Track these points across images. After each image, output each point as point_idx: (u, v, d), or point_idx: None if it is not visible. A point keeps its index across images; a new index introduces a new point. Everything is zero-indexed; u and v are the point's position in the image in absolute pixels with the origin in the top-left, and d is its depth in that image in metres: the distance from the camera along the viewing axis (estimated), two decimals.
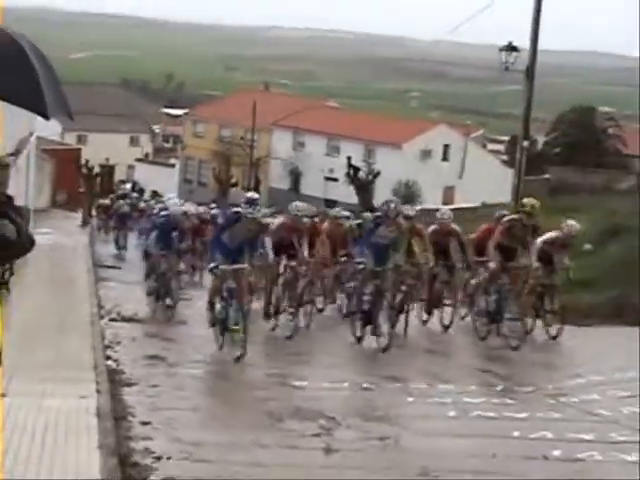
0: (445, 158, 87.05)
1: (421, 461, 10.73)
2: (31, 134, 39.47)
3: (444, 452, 11.29)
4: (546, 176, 71.23)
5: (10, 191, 7.47)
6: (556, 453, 11.31)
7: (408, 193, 75.19)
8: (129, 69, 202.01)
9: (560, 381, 16.22)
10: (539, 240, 19.91)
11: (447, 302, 22.03)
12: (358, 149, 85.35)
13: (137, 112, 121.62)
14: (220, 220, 21.87)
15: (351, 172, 78.94)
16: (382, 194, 75.20)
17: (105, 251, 37.06)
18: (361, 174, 78.87)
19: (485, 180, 71.29)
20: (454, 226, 21.86)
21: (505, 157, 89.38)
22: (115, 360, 15.41)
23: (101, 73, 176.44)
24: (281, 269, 20.71)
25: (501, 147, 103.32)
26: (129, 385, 13.68)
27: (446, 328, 21.18)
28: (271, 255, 19.88)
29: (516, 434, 12.23)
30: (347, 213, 25.69)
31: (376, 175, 78.58)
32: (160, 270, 22.39)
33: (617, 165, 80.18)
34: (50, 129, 53.39)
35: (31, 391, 11.61)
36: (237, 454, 10.64)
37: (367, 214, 26.56)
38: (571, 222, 20.50)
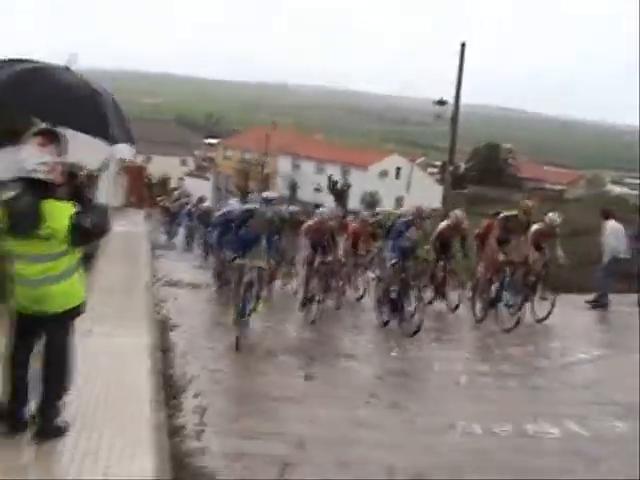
0: (397, 177, 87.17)
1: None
2: (112, 156, 39.29)
3: (388, 378, 11.47)
4: (465, 191, 71.42)
5: (98, 195, 7.74)
6: (462, 380, 11.47)
7: (372, 201, 75.23)
8: (182, 111, 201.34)
9: (468, 332, 16.34)
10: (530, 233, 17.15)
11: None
12: (337, 169, 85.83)
13: (186, 141, 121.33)
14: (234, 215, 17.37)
15: (332, 185, 79.32)
16: (353, 200, 75.87)
17: (160, 238, 36.98)
18: (338, 187, 79.21)
19: (425, 192, 71.12)
20: (465, 224, 18.56)
21: (438, 177, 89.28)
22: (164, 312, 15.50)
23: (163, 113, 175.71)
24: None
25: (436, 170, 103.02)
26: (173, 329, 13.76)
27: (454, 310, 18.03)
28: (306, 252, 16.79)
29: (436, 367, 12.38)
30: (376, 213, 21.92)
31: (349, 187, 78.94)
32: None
33: (513, 184, 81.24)
34: (126, 153, 53.32)
35: (107, 332, 11.68)
36: (246, 377, 10.78)
37: (395, 212, 22.93)
38: (551, 214, 17.63)
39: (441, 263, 18.31)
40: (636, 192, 71.62)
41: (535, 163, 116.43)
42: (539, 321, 16.67)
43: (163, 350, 11.55)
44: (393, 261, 15.97)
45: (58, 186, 6.46)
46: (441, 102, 36.09)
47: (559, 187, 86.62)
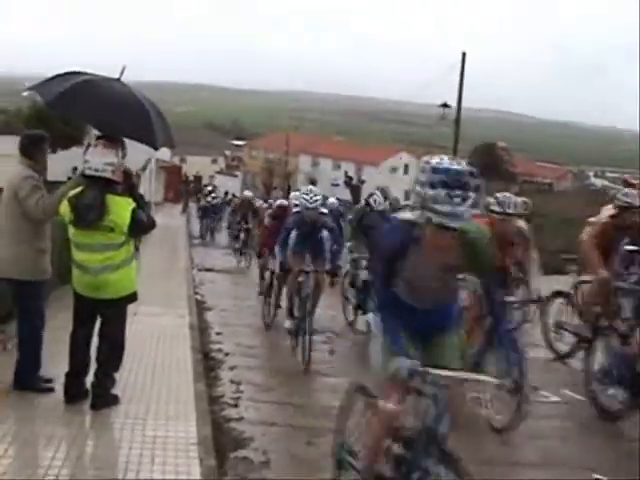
0: (406, 172, 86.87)
1: None
2: (152, 157, 39.37)
3: None
4: None
5: (141, 191, 7.74)
6: None
7: (383, 194, 74.97)
8: (212, 117, 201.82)
9: None
10: None
11: None
12: (352, 166, 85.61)
13: (216, 143, 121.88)
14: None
15: (347, 180, 79.25)
16: (366, 194, 75.56)
17: (195, 229, 36.89)
18: (353, 182, 79.08)
19: None
20: None
21: None
22: (201, 294, 15.51)
23: (194, 120, 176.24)
24: None
25: None
26: (209, 309, 13.78)
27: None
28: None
29: None
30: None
31: (363, 182, 78.79)
32: None
33: (508, 179, 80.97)
34: (164, 154, 53.77)
35: (151, 312, 11.71)
36: (275, 353, 10.75)
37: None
38: None
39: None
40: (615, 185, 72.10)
41: (527, 160, 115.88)
42: None
43: (201, 329, 11.57)
44: None
45: (117, 184, 6.53)
46: (445, 105, 36.36)
47: (548, 180, 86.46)
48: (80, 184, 6.59)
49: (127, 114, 6.87)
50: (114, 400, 6.97)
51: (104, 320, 6.83)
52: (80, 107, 6.88)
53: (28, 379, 6.99)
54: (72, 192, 6.57)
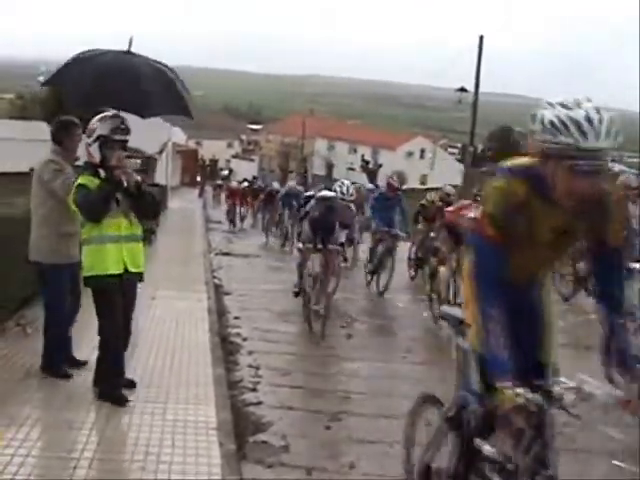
0: (422, 157, 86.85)
1: (406, 342, 10.82)
2: (169, 140, 39.46)
3: (418, 336, 11.32)
4: (483, 169, 70.70)
5: (157, 176, 7.57)
6: None
7: (399, 178, 74.79)
8: (228, 101, 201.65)
9: None
10: None
11: None
12: (368, 150, 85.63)
13: (232, 127, 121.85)
14: None
15: (364, 164, 79.21)
16: (383, 177, 75.39)
17: (212, 213, 36.87)
18: (370, 166, 79.02)
19: (446, 171, 71.02)
20: None
21: (459, 157, 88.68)
22: (219, 278, 15.48)
23: (211, 104, 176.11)
24: None
25: (456, 150, 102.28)
26: (227, 294, 13.72)
27: None
28: None
29: None
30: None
31: (380, 166, 78.74)
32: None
33: None
34: (180, 138, 53.87)
35: (169, 296, 11.74)
36: (294, 337, 10.75)
37: None
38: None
39: None
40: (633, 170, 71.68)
41: None
42: None
43: (219, 313, 11.57)
44: None
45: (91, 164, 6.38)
46: (463, 89, 36.27)
47: None
48: None
49: (110, 84, 6.62)
50: (119, 400, 6.63)
51: None
52: (67, 80, 6.85)
53: (53, 364, 7.00)
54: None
